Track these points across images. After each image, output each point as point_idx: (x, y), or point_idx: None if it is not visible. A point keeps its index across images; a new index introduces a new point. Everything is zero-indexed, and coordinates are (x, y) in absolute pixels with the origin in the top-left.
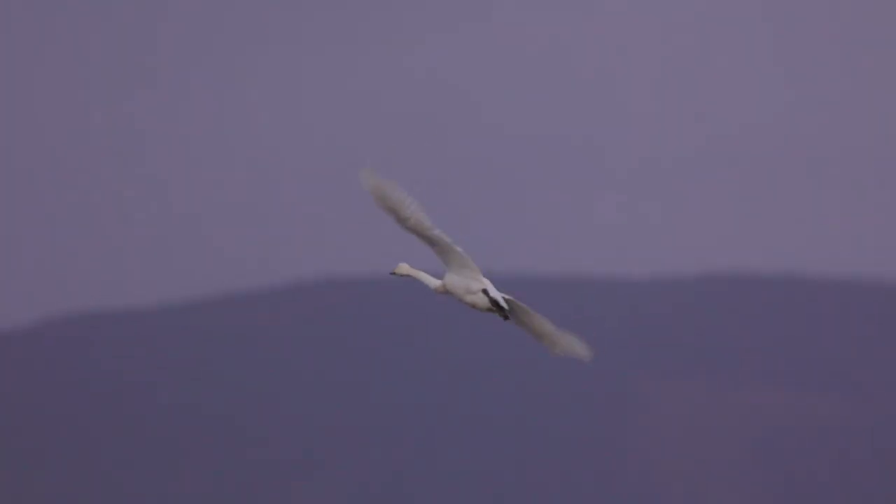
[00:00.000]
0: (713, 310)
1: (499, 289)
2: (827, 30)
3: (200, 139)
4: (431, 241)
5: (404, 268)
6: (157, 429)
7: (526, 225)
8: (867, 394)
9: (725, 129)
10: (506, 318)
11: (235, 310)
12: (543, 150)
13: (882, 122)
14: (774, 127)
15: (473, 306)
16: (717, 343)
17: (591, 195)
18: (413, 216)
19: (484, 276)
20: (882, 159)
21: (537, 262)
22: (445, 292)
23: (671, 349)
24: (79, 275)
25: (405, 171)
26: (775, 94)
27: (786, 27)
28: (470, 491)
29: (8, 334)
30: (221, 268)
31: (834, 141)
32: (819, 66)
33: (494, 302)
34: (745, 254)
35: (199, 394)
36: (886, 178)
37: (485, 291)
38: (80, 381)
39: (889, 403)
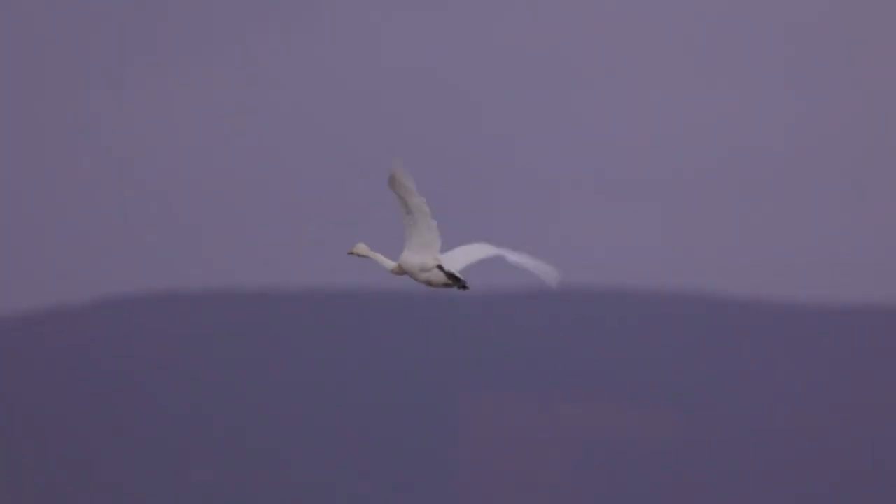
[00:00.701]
0: (542, 323)
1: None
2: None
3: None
4: (409, 208)
5: (362, 248)
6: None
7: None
8: (697, 408)
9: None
10: (464, 287)
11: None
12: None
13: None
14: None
15: (429, 283)
16: (547, 357)
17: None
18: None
19: (442, 253)
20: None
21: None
22: (401, 273)
23: (498, 362)
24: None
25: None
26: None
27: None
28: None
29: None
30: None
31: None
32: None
33: (450, 275)
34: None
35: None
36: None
37: (440, 267)
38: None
39: (720, 419)
